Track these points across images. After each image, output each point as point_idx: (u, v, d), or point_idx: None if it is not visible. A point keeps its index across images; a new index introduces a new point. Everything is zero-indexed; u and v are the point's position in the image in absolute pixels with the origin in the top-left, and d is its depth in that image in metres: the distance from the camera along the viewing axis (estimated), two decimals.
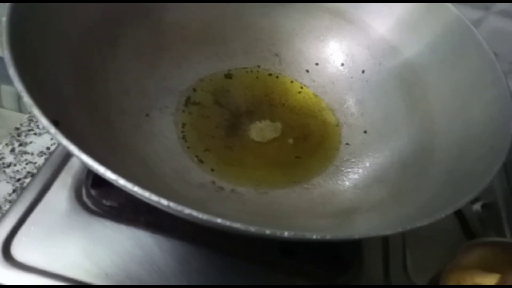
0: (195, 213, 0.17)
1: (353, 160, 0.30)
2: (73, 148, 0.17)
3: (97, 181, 0.29)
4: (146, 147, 0.29)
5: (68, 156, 0.31)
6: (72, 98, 0.24)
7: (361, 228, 0.24)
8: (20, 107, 0.75)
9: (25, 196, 0.28)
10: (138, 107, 0.31)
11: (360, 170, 0.30)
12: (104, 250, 0.27)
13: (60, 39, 0.25)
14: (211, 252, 0.28)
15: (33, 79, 0.19)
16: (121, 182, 0.17)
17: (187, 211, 0.17)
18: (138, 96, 0.31)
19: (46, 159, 0.30)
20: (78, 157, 0.18)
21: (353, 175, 0.29)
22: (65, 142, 0.17)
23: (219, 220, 0.17)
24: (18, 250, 0.26)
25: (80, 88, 0.26)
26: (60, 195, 0.29)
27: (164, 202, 0.17)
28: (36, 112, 0.18)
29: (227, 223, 0.17)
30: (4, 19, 0.20)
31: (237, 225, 0.17)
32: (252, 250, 0.28)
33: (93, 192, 0.29)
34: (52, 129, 0.18)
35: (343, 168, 0.30)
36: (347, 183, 0.29)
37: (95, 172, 0.18)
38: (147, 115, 0.31)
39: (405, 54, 0.32)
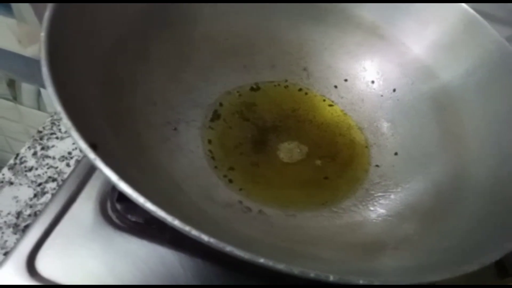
0: (237, 251, 0.16)
1: (383, 183, 0.30)
2: (113, 176, 0.17)
3: (123, 196, 0.29)
4: (172, 163, 0.28)
5: (94, 167, 0.31)
6: (101, 113, 0.24)
7: (394, 267, 0.23)
8: (39, 105, 0.75)
9: (50, 208, 0.28)
10: (165, 120, 0.30)
11: (392, 195, 0.29)
12: (127, 266, 0.27)
13: (91, 52, 0.25)
14: (234, 274, 0.28)
15: (69, 97, 0.19)
16: (161, 214, 0.17)
17: (228, 248, 0.16)
18: (165, 109, 0.30)
19: (72, 170, 0.30)
20: (116, 185, 0.17)
21: (384, 200, 0.29)
22: (105, 170, 0.17)
23: (261, 260, 0.16)
24: (43, 264, 0.26)
25: (109, 102, 0.26)
26: (85, 207, 0.29)
27: (205, 237, 0.16)
28: (75, 135, 0.18)
29: (270, 263, 0.16)
30: (42, 34, 0.20)
31: (281, 266, 0.16)
32: (278, 273, 0.27)
33: (118, 206, 0.29)
34: (92, 155, 0.17)
35: (373, 192, 0.29)
36: (378, 208, 0.28)
37: (134, 201, 0.17)
38: (174, 128, 0.30)
39: (440, 75, 0.31)
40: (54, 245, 0.27)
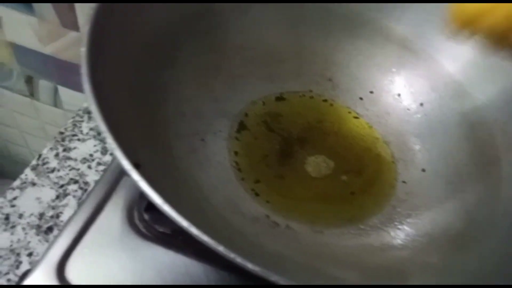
0: (284, 281, 0.16)
1: (411, 201, 0.29)
2: (158, 199, 0.17)
3: (152, 206, 0.29)
4: (201, 174, 0.28)
5: (121, 174, 0.31)
6: (136, 127, 0.24)
7: None
8: (55, 102, 0.75)
9: (79, 216, 0.28)
10: (193, 130, 0.30)
11: (420, 214, 0.28)
12: (154, 276, 0.27)
13: (126, 62, 0.25)
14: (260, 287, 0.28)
15: (109, 113, 0.19)
16: (205, 238, 0.17)
17: (274, 278, 0.16)
18: (193, 119, 0.30)
19: (100, 178, 0.30)
20: (160, 207, 0.17)
21: (412, 219, 0.28)
22: (150, 192, 0.17)
23: None
24: (72, 273, 0.26)
25: (143, 114, 0.26)
26: (112, 216, 0.29)
27: (249, 265, 0.16)
28: (120, 155, 0.18)
29: None
30: (83, 49, 0.20)
31: None
32: None
33: (146, 216, 0.29)
34: (136, 176, 0.17)
35: (400, 209, 0.29)
36: (406, 227, 0.28)
37: (177, 223, 0.17)
38: (202, 139, 0.30)
39: (471, 92, 0.31)
40: (83, 254, 0.27)
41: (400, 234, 0.28)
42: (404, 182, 0.31)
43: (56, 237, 0.27)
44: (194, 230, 0.17)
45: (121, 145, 0.18)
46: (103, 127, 0.18)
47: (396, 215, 0.29)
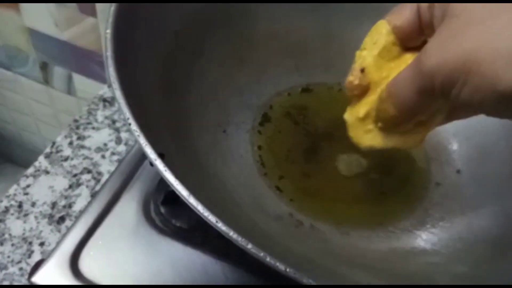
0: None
1: (445, 204, 0.27)
2: (183, 191, 0.15)
3: (169, 199, 0.27)
4: (224, 168, 0.27)
5: (137, 165, 0.29)
6: (160, 116, 0.22)
7: None
8: (69, 90, 0.75)
9: (93, 207, 0.27)
10: (216, 121, 0.29)
11: (454, 218, 0.27)
12: (170, 272, 0.26)
13: (151, 50, 0.23)
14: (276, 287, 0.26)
15: (133, 101, 0.17)
16: (233, 236, 0.15)
17: (306, 280, 0.15)
18: (216, 110, 0.29)
19: (115, 169, 0.29)
20: (185, 199, 0.16)
21: (445, 223, 0.26)
22: (176, 183, 0.15)
23: None
24: (86, 265, 0.25)
25: (167, 104, 0.24)
26: (128, 208, 0.27)
27: (282, 267, 0.15)
28: (144, 143, 0.16)
29: None
30: (108, 31, 0.19)
31: None
32: None
33: (162, 209, 0.27)
34: (161, 166, 0.16)
35: (433, 212, 0.27)
36: (439, 231, 0.26)
37: (203, 218, 0.16)
38: (224, 131, 0.29)
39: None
40: (97, 245, 0.26)
41: (433, 238, 0.26)
42: (437, 183, 0.29)
43: (70, 227, 0.26)
44: (221, 226, 0.15)
45: (145, 133, 0.16)
46: (127, 113, 0.16)
47: (428, 218, 0.27)
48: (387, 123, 0.21)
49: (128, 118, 0.16)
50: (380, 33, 0.21)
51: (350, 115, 0.23)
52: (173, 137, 0.23)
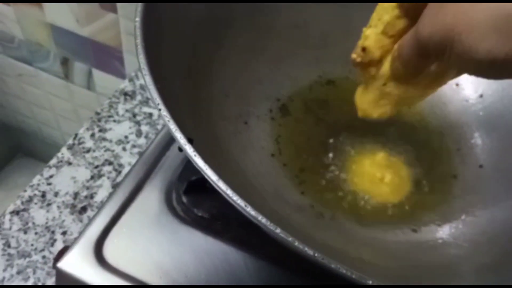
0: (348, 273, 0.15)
1: (467, 198, 0.27)
2: (213, 176, 0.16)
3: (191, 189, 0.28)
4: (245, 158, 0.27)
5: (159, 156, 0.30)
6: (184, 104, 0.23)
7: None
8: (89, 85, 0.76)
9: (117, 195, 0.27)
10: (237, 112, 0.29)
11: (476, 212, 0.26)
12: (192, 261, 0.26)
13: (176, 38, 0.24)
14: (298, 278, 0.26)
15: (162, 88, 0.18)
16: (262, 220, 0.15)
17: (335, 265, 0.15)
18: (237, 101, 0.29)
19: (138, 158, 0.29)
20: (214, 184, 0.16)
21: (468, 217, 0.26)
22: (205, 167, 0.16)
23: (370, 282, 0.15)
24: (110, 252, 0.25)
25: (191, 93, 0.25)
26: (151, 198, 0.28)
27: (310, 252, 0.15)
28: (173, 128, 0.16)
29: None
30: (137, 19, 0.19)
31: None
32: (344, 284, 0.26)
33: (184, 199, 0.28)
34: (191, 150, 0.16)
35: (455, 206, 0.27)
36: (460, 225, 0.26)
37: (231, 202, 0.16)
38: (245, 122, 0.29)
39: None
40: (121, 233, 0.26)
41: (455, 232, 0.26)
42: (459, 177, 0.28)
43: (94, 215, 0.27)
44: (250, 211, 0.15)
45: (175, 119, 0.17)
46: (157, 98, 0.17)
47: (450, 212, 0.27)
48: (400, 78, 0.23)
49: (158, 104, 0.17)
50: (385, 9, 0.23)
51: (360, 98, 0.27)
52: (195, 125, 0.24)
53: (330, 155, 0.29)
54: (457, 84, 0.32)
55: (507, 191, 0.27)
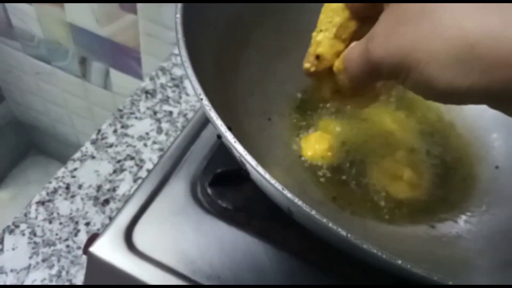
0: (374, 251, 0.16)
1: (484, 198, 0.28)
2: (252, 161, 0.17)
3: (216, 180, 0.29)
4: (268, 154, 0.28)
5: (185, 150, 0.31)
6: (215, 100, 0.24)
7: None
8: (105, 84, 0.78)
9: (146, 186, 0.29)
10: (260, 109, 0.30)
11: (493, 210, 0.27)
12: (217, 250, 0.27)
13: (208, 37, 0.25)
14: (319, 271, 0.27)
15: (201, 76, 0.19)
16: (298, 202, 0.16)
17: (367, 246, 0.16)
18: (261, 99, 0.30)
19: (166, 150, 0.31)
20: (253, 168, 0.17)
21: (484, 215, 0.27)
22: (245, 154, 0.17)
23: (399, 262, 0.16)
24: (139, 238, 0.27)
25: (217, 88, 0.26)
26: (177, 188, 0.29)
27: (343, 233, 0.16)
28: (214, 116, 0.18)
29: (408, 266, 0.16)
30: (178, 15, 0.20)
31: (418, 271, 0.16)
32: (365, 278, 0.27)
33: (209, 190, 0.29)
34: (231, 137, 0.17)
35: (472, 206, 0.28)
36: (478, 224, 0.27)
37: (270, 186, 0.17)
38: (269, 119, 0.30)
39: None
40: (149, 221, 0.27)
41: (472, 228, 0.27)
42: (476, 177, 0.29)
43: (124, 203, 0.28)
44: (287, 193, 0.17)
45: (214, 107, 0.18)
46: (198, 89, 0.18)
47: (467, 210, 0.28)
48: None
49: (200, 94, 0.18)
50: (334, 10, 0.21)
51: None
52: (225, 120, 0.25)
53: (352, 152, 0.30)
54: None
55: None
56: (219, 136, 0.18)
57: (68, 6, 0.67)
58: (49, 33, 0.75)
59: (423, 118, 0.32)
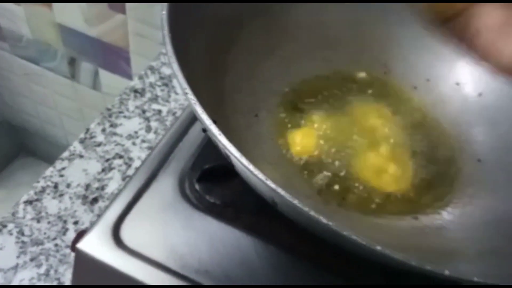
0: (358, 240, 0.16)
1: (465, 189, 0.29)
2: (236, 152, 0.17)
3: (204, 176, 0.29)
4: (254, 149, 0.28)
5: (173, 146, 0.31)
6: (203, 96, 0.24)
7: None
8: (95, 85, 0.77)
9: (134, 183, 0.29)
10: (248, 106, 0.30)
11: (476, 202, 0.28)
12: (205, 245, 0.27)
13: (195, 35, 0.25)
14: (308, 264, 0.28)
15: (188, 72, 0.19)
16: (281, 192, 0.17)
17: (356, 237, 0.16)
18: (248, 96, 0.30)
19: (154, 147, 0.31)
20: (237, 160, 0.17)
21: (467, 206, 0.28)
22: (229, 145, 0.17)
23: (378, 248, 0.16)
24: (127, 235, 0.27)
25: (204, 85, 0.26)
26: (165, 185, 0.29)
27: (336, 228, 0.16)
28: (199, 109, 0.18)
29: (387, 252, 0.16)
30: (164, 12, 0.20)
31: (398, 256, 0.16)
32: (352, 270, 0.27)
33: (197, 186, 0.29)
34: (215, 130, 0.17)
35: (455, 196, 0.28)
36: (462, 216, 0.27)
37: (254, 177, 0.17)
38: (256, 115, 0.30)
39: None
40: (137, 218, 0.27)
41: (455, 219, 0.27)
42: (459, 170, 0.30)
43: (111, 200, 0.28)
44: (270, 184, 0.17)
45: (199, 101, 0.18)
46: (184, 83, 0.18)
47: (450, 201, 0.28)
48: None
49: (185, 88, 0.18)
50: None
51: None
52: (212, 117, 0.25)
53: (338, 147, 0.31)
54: (457, 84, 0.34)
55: (504, 184, 0.28)
56: (204, 130, 0.18)
57: (56, 6, 0.67)
58: (37, 34, 0.75)
59: (408, 114, 0.33)
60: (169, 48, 0.19)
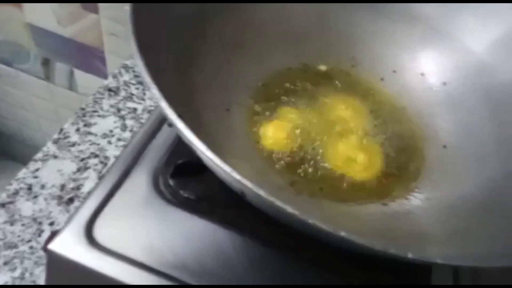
0: (322, 226, 0.17)
1: (432, 175, 0.30)
2: (201, 146, 0.17)
3: (177, 172, 0.29)
4: (227, 144, 0.29)
5: (146, 143, 0.31)
6: (171, 90, 0.24)
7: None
8: (70, 85, 0.76)
9: (107, 180, 0.29)
10: (219, 101, 0.30)
11: (443, 187, 0.29)
12: (181, 240, 0.28)
13: (162, 32, 0.25)
14: (283, 256, 0.28)
15: (152, 71, 0.19)
16: (248, 184, 0.17)
17: (329, 227, 0.17)
18: (219, 91, 0.31)
19: (127, 144, 0.31)
20: (203, 153, 0.18)
21: (434, 191, 0.29)
22: (194, 138, 0.17)
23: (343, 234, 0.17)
24: (101, 233, 0.27)
25: (174, 81, 0.26)
26: (139, 181, 0.29)
27: (311, 220, 0.17)
28: (164, 105, 0.18)
29: (352, 237, 0.17)
30: (127, 7, 0.20)
31: (362, 241, 0.17)
32: (327, 257, 0.28)
33: (171, 182, 0.29)
34: (180, 124, 0.18)
35: (422, 181, 0.29)
36: (427, 200, 0.28)
37: (220, 171, 0.18)
38: (227, 110, 0.31)
39: (497, 71, 0.31)
40: (111, 215, 0.27)
41: (423, 204, 0.28)
42: (426, 157, 0.31)
43: (84, 199, 0.28)
44: (235, 175, 0.17)
45: (165, 96, 0.18)
46: (147, 78, 0.18)
47: (418, 187, 0.29)
48: None
49: (148, 82, 0.18)
50: None
51: None
52: (181, 113, 0.25)
53: (309, 138, 0.31)
54: (422, 74, 0.35)
55: (467, 168, 0.29)
56: (170, 125, 0.18)
57: (27, 6, 0.65)
58: (8, 35, 0.73)
59: (376, 104, 0.34)
60: (133, 44, 0.19)
